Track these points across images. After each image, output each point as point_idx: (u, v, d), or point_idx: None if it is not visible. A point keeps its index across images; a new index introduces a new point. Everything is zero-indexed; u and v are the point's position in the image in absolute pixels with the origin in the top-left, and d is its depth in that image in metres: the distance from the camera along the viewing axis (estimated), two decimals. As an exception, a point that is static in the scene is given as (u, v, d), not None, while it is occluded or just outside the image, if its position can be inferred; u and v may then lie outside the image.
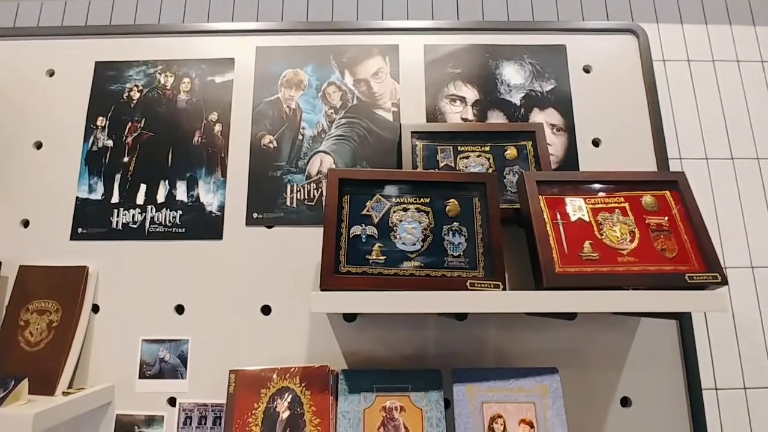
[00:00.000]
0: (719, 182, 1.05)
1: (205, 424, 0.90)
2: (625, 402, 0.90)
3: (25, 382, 0.82)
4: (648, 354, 0.92)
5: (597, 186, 0.83)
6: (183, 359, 0.93)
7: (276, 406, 0.77)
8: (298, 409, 0.77)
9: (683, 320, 0.93)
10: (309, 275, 0.95)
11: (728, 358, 0.96)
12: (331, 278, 0.75)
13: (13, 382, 0.81)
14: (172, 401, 0.91)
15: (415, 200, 0.82)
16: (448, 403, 0.79)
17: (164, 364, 0.93)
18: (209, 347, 0.93)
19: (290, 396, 0.78)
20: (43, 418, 0.73)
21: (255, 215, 0.98)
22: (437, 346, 0.91)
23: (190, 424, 0.90)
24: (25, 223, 1.01)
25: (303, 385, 0.79)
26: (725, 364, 0.95)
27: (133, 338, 0.94)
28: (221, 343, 0.93)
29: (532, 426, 0.74)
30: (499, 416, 0.75)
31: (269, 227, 0.97)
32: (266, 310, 0.94)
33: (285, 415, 0.77)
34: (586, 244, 0.78)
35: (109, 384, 0.92)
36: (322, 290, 0.73)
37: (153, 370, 0.93)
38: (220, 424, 0.90)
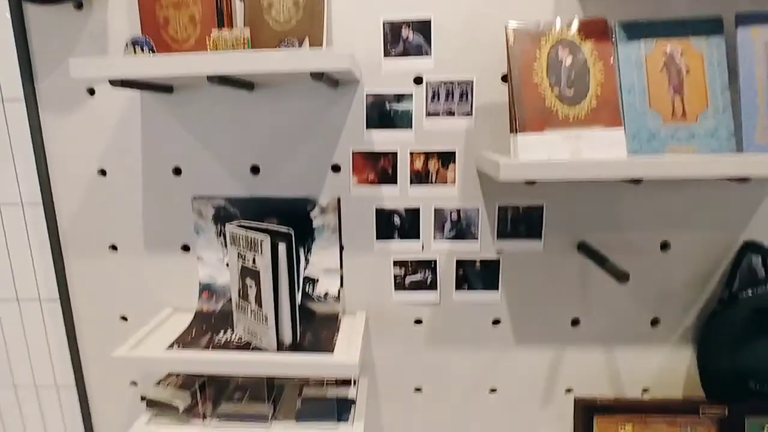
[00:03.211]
0: None
1: (452, 99, 0.97)
2: None
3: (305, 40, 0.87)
4: None
5: None
6: (427, 37, 0.95)
7: (558, 54, 0.81)
8: (580, 56, 0.81)
9: None
10: None
11: None
12: None
13: (296, 41, 0.86)
14: (418, 80, 0.97)
15: None
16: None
17: (408, 43, 0.95)
18: (452, 24, 0.94)
19: (571, 45, 0.81)
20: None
21: None
22: None
23: (438, 99, 0.97)
24: None
25: (582, 36, 0.81)
26: None
27: (374, 17, 0.95)
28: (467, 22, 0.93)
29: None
30: (788, 56, 0.77)
31: None
32: None
33: (568, 61, 0.81)
34: None
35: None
36: None
37: (397, 49, 0.96)
38: (466, 99, 0.96)
